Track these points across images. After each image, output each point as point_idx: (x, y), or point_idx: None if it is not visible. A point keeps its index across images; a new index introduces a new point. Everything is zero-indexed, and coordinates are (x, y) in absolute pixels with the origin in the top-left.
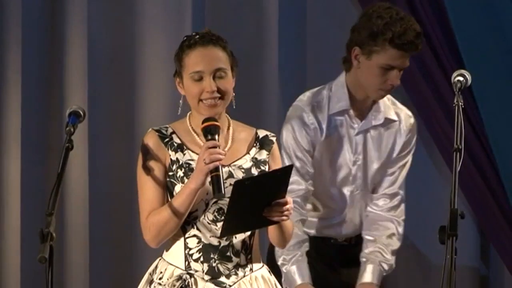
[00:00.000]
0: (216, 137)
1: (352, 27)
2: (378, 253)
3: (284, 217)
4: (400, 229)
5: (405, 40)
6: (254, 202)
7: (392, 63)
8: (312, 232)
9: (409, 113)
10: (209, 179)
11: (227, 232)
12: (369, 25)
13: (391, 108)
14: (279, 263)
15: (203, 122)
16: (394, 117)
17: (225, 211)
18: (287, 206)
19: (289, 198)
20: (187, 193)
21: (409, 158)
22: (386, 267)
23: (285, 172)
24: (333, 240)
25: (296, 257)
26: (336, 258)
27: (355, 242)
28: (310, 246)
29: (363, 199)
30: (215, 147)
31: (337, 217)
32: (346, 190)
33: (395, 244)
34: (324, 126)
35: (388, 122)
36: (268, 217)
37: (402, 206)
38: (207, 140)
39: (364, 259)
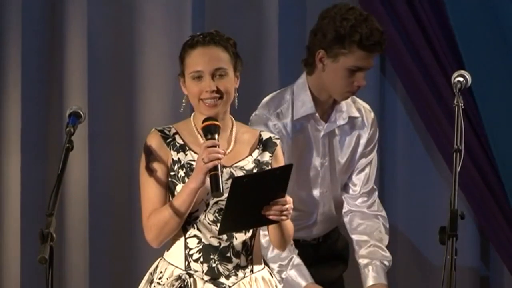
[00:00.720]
0: (216, 136)
1: (313, 30)
2: (376, 251)
3: (283, 217)
4: (386, 224)
5: (373, 41)
6: (252, 200)
7: (360, 64)
8: None
9: (369, 107)
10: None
11: (224, 229)
12: (334, 28)
13: (352, 105)
14: (275, 270)
15: (203, 122)
16: (357, 114)
17: (224, 208)
18: (287, 206)
19: (288, 197)
20: (187, 193)
21: (375, 154)
22: (387, 263)
23: (285, 171)
24: (302, 241)
25: (292, 260)
26: (306, 258)
27: (323, 240)
28: None
29: (333, 199)
30: (214, 146)
31: (308, 219)
32: (316, 192)
33: (386, 238)
34: (289, 132)
35: (351, 120)
36: (267, 216)
37: (378, 200)
38: (207, 139)
39: (364, 261)
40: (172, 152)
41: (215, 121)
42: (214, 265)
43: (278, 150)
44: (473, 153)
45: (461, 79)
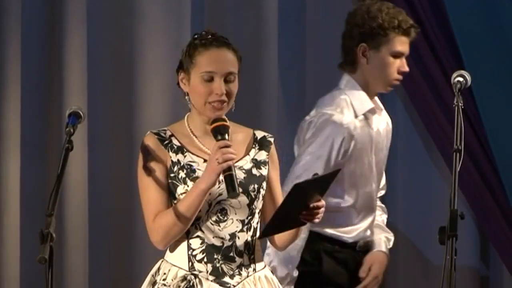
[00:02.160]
0: (226, 136)
1: (347, 30)
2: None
3: (316, 219)
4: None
5: (409, 24)
6: (298, 204)
7: (400, 49)
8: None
9: None
10: (221, 178)
11: (267, 233)
12: (371, 19)
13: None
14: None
15: (211, 123)
16: (383, 107)
17: (274, 212)
18: (322, 209)
19: (323, 201)
20: (197, 194)
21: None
22: (383, 222)
23: (332, 176)
24: (357, 246)
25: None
26: (350, 264)
27: (364, 246)
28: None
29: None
30: (227, 146)
31: (372, 215)
32: (371, 188)
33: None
34: (358, 129)
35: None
36: (303, 219)
37: (384, 177)
38: (218, 140)
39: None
40: (170, 153)
41: (224, 121)
42: (218, 265)
43: (273, 149)
44: (473, 153)
45: (461, 79)
